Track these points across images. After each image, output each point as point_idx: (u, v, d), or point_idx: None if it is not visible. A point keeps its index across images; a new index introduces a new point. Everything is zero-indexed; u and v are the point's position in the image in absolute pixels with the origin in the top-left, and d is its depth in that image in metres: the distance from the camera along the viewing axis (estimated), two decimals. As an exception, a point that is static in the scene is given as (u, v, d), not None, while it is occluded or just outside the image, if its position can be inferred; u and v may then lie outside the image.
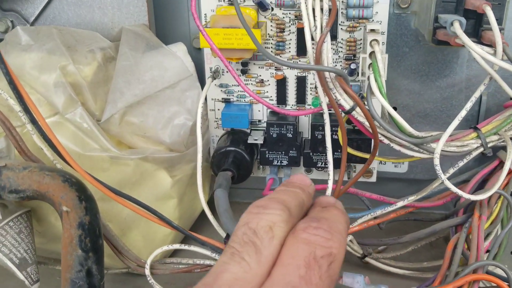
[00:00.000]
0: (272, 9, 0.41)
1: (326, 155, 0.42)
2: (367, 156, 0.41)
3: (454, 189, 0.36)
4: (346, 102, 0.34)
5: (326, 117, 0.35)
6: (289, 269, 0.19)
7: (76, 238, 0.33)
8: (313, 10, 0.34)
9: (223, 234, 0.39)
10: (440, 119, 0.45)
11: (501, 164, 0.41)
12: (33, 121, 0.30)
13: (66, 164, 0.33)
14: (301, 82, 0.43)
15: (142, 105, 0.38)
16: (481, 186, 0.43)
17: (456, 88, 0.43)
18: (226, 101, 0.45)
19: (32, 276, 0.35)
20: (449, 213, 0.44)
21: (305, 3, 0.34)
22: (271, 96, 0.44)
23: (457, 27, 0.30)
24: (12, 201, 0.36)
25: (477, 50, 0.30)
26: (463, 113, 0.34)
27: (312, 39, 0.34)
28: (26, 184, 0.33)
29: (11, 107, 0.36)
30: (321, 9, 0.34)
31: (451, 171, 0.38)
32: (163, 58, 0.40)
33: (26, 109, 0.30)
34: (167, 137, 0.39)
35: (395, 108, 0.43)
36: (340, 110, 0.35)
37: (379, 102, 0.35)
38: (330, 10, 0.34)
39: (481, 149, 0.37)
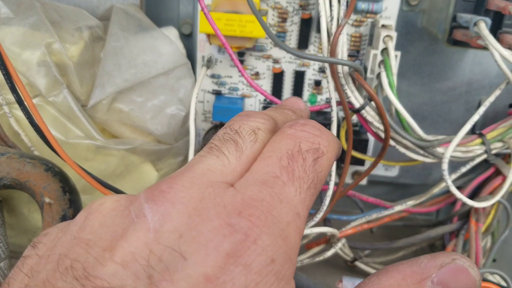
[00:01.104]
0: (276, -4, 0.38)
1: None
2: (366, 157, 0.39)
3: (459, 195, 0.35)
4: (357, 100, 0.33)
5: (334, 115, 0.33)
6: (270, 161, 0.17)
7: (57, 234, 0.29)
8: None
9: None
10: (437, 123, 0.44)
11: (497, 171, 0.40)
12: (20, 102, 0.27)
13: (52, 152, 0.30)
14: (299, 77, 0.41)
15: (132, 92, 0.35)
16: (473, 192, 0.42)
17: (456, 92, 0.42)
18: (217, 93, 0.42)
19: (5, 271, 0.31)
20: (443, 219, 0.43)
21: (321, -9, 0.32)
22: (266, 90, 0.42)
23: (483, 27, 0.29)
24: (-19, 191, 0.32)
25: (503, 53, 0.29)
26: (475, 117, 0.33)
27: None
28: (4, 171, 0.29)
29: (-16, 85, 0.32)
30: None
31: (454, 176, 0.37)
32: (156, 42, 0.37)
33: (13, 89, 0.26)
34: (157, 127, 0.36)
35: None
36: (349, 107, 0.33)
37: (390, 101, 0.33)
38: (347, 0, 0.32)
39: (485, 156, 0.37)
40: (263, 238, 0.15)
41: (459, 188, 0.42)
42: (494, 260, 0.50)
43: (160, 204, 0.15)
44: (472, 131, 0.40)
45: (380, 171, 0.47)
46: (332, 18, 0.31)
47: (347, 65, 0.29)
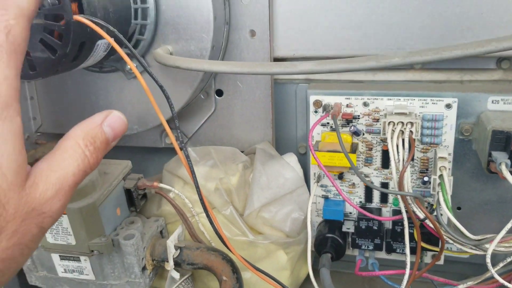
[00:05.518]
0: (363, 134, 0.56)
1: (404, 243, 0.56)
2: (436, 249, 0.54)
3: (501, 280, 0.48)
4: (421, 213, 0.48)
5: (406, 224, 0.49)
6: None
7: (230, 300, 0.48)
8: (397, 146, 0.49)
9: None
10: (496, 218, 0.57)
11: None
12: (207, 215, 0.46)
13: (224, 246, 0.49)
14: (384, 187, 0.57)
15: (270, 205, 0.54)
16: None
17: (510, 194, 0.55)
18: (325, 197, 0.60)
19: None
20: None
21: (391, 142, 0.49)
22: (361, 196, 0.59)
23: (504, 168, 0.44)
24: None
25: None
26: (509, 225, 0.47)
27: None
28: (198, 259, 0.49)
29: (184, 203, 0.53)
30: (403, 145, 0.49)
31: (501, 264, 0.50)
32: (283, 170, 0.56)
33: (205, 207, 0.46)
34: (287, 227, 0.55)
35: (459, 208, 0.57)
36: (416, 218, 0.49)
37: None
38: (410, 144, 0.48)
39: (526, 250, 0.49)
40: None
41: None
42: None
43: None
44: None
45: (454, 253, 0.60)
46: (399, 160, 0.48)
47: (409, 195, 0.46)
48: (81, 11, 0.40)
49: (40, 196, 0.27)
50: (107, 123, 0.32)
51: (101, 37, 0.39)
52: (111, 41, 0.39)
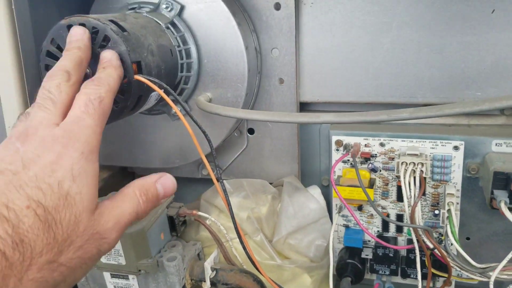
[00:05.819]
0: (380, 170, 0.62)
1: (417, 269, 0.61)
2: (446, 275, 0.59)
3: (505, 305, 0.54)
4: (430, 244, 0.54)
5: (417, 253, 0.55)
6: (75, 109, 0.34)
7: (259, 317, 0.55)
8: (409, 184, 0.55)
9: (345, 320, 0.59)
10: (502, 248, 0.62)
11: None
12: (240, 240, 0.53)
13: (254, 268, 0.56)
14: (399, 218, 0.63)
15: (296, 233, 0.61)
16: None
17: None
18: (346, 226, 0.66)
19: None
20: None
21: (404, 180, 0.55)
22: (378, 225, 0.65)
23: (503, 206, 0.50)
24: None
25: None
26: (509, 255, 0.52)
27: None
28: (232, 280, 0.56)
29: (219, 229, 0.61)
30: (414, 182, 0.55)
31: (505, 290, 0.55)
32: (307, 201, 0.63)
33: (238, 234, 0.52)
34: (311, 253, 0.61)
35: (468, 238, 0.62)
36: (426, 247, 0.55)
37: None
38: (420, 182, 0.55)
39: (527, 278, 0.54)
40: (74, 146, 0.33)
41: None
42: None
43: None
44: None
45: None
46: (411, 196, 0.54)
47: (420, 228, 0.52)
48: (139, 70, 0.48)
49: (103, 224, 0.35)
50: (160, 182, 0.39)
51: (154, 90, 0.47)
52: (162, 93, 0.47)
